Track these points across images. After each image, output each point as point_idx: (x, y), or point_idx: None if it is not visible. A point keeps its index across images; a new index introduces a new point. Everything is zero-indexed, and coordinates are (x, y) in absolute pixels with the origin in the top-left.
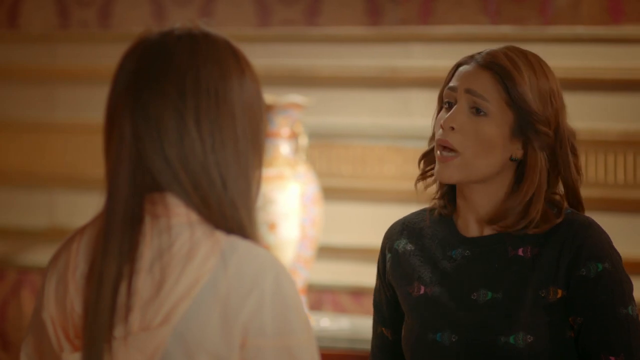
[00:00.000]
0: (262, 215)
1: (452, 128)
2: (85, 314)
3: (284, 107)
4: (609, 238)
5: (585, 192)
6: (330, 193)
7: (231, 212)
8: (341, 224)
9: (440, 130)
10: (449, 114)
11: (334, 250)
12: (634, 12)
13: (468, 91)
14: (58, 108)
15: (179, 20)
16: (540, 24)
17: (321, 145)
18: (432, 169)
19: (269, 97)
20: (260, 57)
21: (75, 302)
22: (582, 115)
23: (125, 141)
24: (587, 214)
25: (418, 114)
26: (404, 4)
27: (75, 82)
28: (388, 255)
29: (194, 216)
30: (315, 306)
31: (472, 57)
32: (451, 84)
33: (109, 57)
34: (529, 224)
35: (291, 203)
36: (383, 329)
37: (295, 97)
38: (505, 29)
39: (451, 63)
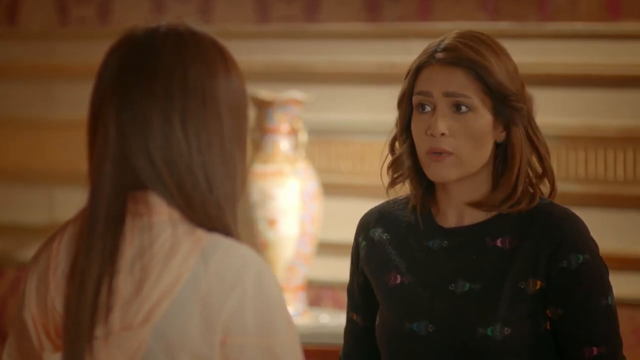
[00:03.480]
0: (261, 211)
1: (443, 134)
2: (66, 314)
3: (284, 104)
4: (587, 228)
5: (584, 189)
6: (330, 189)
7: (216, 213)
8: (341, 220)
9: (428, 137)
10: (433, 120)
11: (334, 247)
12: (632, 9)
13: (448, 94)
14: (57, 105)
15: (179, 16)
16: (538, 20)
17: (321, 141)
18: (401, 175)
19: (269, 93)
20: (260, 54)
21: (56, 301)
22: (581, 111)
23: (109, 139)
24: (587, 210)
25: None
26: (402, 1)
27: (74, 79)
28: (363, 243)
29: (176, 215)
30: (315, 302)
31: (431, 57)
32: (422, 89)
33: None
34: (516, 202)
35: (291, 199)
36: (354, 315)
37: (294, 94)
38: (504, 25)
39: None
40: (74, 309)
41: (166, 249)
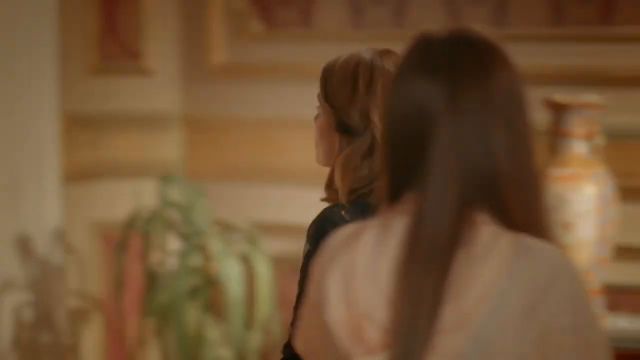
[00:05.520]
0: (557, 215)
1: None
2: (398, 317)
3: (580, 107)
4: (324, 220)
5: None
6: (628, 193)
7: (537, 226)
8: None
9: None
10: None
11: (634, 251)
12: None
13: None
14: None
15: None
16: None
17: (618, 145)
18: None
19: (564, 96)
20: (554, 57)
21: (366, 303)
22: None
23: (452, 148)
24: None
25: None
26: None
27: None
28: None
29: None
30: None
31: None
32: None
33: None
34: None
35: (587, 203)
36: None
37: (591, 97)
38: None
39: None
40: (409, 314)
41: (479, 252)
